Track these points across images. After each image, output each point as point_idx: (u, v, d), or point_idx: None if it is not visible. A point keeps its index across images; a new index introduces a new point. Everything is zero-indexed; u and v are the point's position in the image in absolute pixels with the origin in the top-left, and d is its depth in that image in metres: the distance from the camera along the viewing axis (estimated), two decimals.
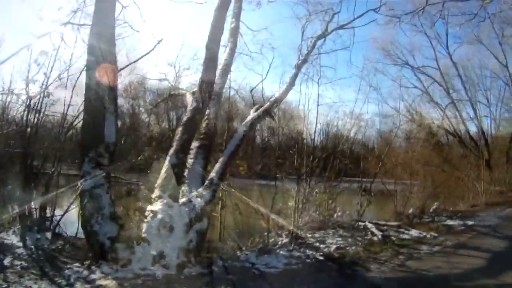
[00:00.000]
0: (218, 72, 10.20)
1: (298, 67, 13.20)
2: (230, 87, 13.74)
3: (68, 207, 9.03)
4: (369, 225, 11.95)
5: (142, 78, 20.22)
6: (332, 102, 16.43)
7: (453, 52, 31.00)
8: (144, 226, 7.16)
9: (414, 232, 11.77)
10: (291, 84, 12.71)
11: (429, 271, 7.86)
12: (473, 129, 31.92)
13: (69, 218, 9.16)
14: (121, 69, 9.59)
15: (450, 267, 8.11)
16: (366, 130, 30.23)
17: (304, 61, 13.32)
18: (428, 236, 11.47)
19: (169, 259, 6.78)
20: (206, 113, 9.64)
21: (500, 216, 16.51)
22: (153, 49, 10.98)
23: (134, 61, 10.95)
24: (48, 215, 9.18)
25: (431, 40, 30.75)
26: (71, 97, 9.60)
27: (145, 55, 11.08)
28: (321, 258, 8.54)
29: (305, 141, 12.80)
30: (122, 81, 12.05)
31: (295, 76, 12.96)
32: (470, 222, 14.40)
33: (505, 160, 28.14)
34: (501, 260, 9.09)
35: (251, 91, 15.20)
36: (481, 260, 8.86)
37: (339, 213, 12.46)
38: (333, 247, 9.50)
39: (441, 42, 30.86)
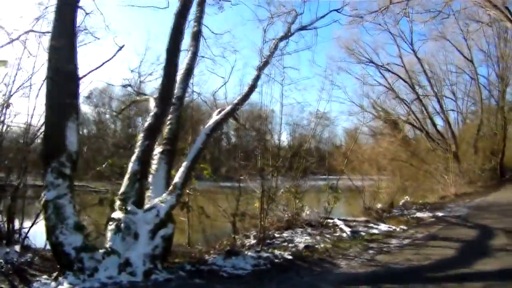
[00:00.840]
0: (179, 76, 10.18)
1: (260, 69, 13.23)
2: (192, 91, 13.66)
3: (35, 218, 8.89)
4: (338, 222, 12.08)
5: (105, 85, 20.00)
6: (296, 102, 16.82)
7: (418, 49, 31.76)
8: (109, 235, 7.16)
9: (383, 227, 11.96)
10: (253, 86, 12.73)
11: (400, 264, 7.95)
12: (440, 123, 32.66)
13: (38, 229, 9.04)
14: (83, 76, 9.43)
15: (421, 259, 8.24)
16: (332, 128, 30.80)
17: (266, 63, 13.32)
18: (398, 229, 11.68)
19: (135, 267, 6.77)
20: (168, 118, 9.59)
21: (470, 206, 16.93)
22: (114, 55, 10.86)
23: (96, 68, 10.77)
24: (17, 227, 9.04)
25: (395, 38, 31.36)
26: (34, 107, 9.46)
27: (106, 61, 10.93)
28: (290, 257, 8.60)
29: (269, 142, 12.90)
30: (85, 88, 11.85)
31: (257, 78, 12.97)
32: (440, 214, 14.74)
33: (473, 152, 28.78)
34: (472, 248, 9.32)
35: (213, 94, 15.19)
36: (452, 250, 8.99)
37: (308, 212, 12.52)
38: (302, 245, 9.59)
39: (406, 40, 31.48)
